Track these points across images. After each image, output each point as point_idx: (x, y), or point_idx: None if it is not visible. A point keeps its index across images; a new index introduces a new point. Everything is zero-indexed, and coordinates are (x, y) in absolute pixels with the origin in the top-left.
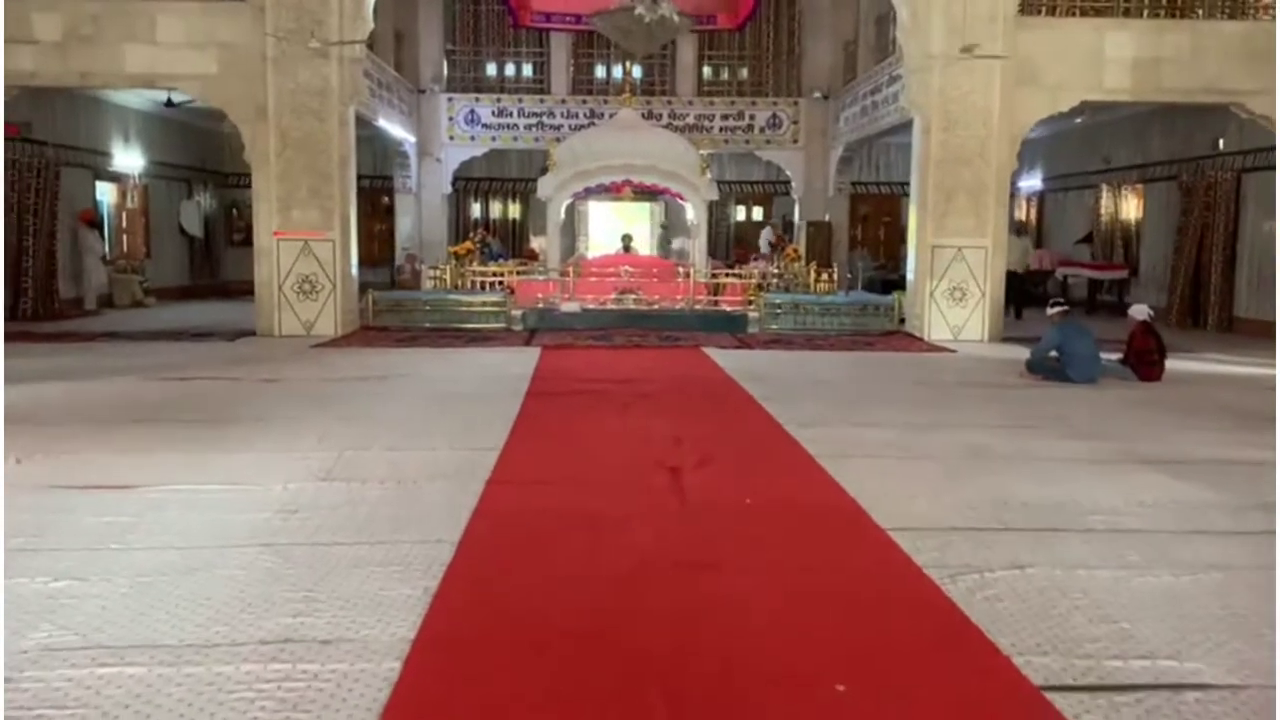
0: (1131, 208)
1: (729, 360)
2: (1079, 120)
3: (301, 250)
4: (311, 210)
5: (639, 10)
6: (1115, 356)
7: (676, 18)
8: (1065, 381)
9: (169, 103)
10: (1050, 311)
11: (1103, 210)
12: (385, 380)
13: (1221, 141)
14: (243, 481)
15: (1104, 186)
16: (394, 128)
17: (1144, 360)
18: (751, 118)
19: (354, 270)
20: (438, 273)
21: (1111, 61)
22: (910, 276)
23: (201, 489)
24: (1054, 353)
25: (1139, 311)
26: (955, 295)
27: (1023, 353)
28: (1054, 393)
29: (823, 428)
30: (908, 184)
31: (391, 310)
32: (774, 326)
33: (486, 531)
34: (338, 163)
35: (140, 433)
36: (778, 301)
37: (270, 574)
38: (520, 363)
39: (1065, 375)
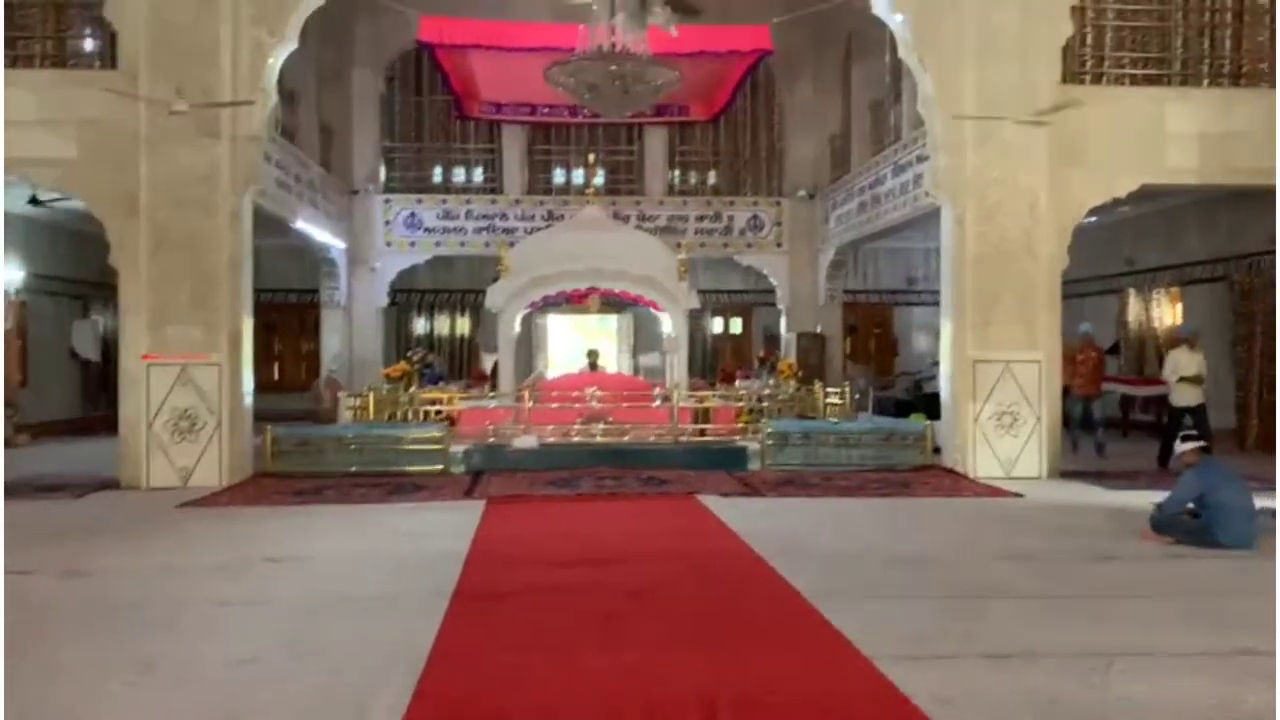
0: (1166, 314)
1: (739, 517)
2: (1093, 219)
3: (178, 377)
4: (193, 326)
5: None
6: (1262, 504)
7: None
8: (1212, 545)
9: (34, 200)
10: (1181, 448)
11: (1130, 317)
12: (245, 573)
13: None
14: None
15: (1130, 291)
16: (319, 231)
17: None
18: (730, 219)
19: (247, 401)
20: (358, 402)
21: (1174, 138)
22: (946, 398)
23: None
24: (1190, 504)
25: None
26: (1004, 422)
27: (1099, 494)
28: (1219, 568)
29: (941, 665)
30: (899, 291)
31: (298, 451)
32: (780, 461)
33: None
34: (227, 265)
35: None
36: (784, 430)
37: None
38: (454, 529)
39: (1209, 535)
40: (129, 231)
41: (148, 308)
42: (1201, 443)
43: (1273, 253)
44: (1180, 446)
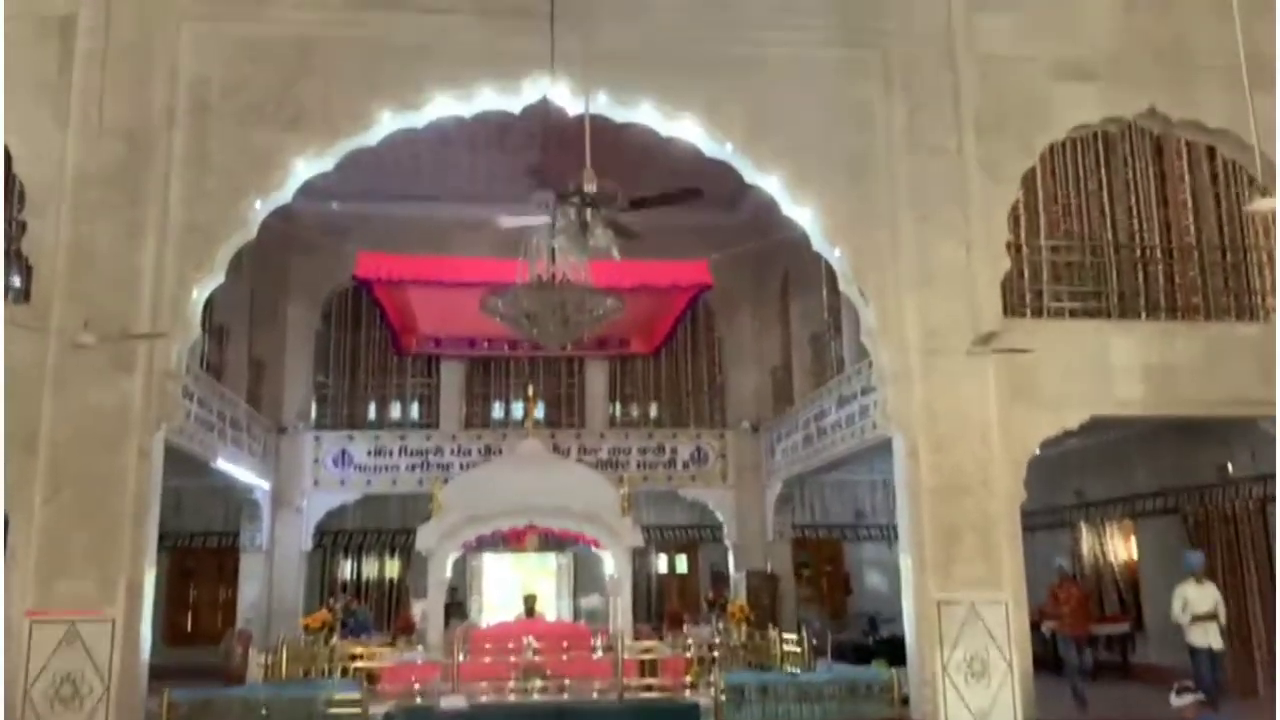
0: (1120, 548)
1: None
2: (1037, 451)
3: (65, 636)
4: (86, 578)
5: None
6: None
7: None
8: None
9: None
10: (1178, 703)
11: (1085, 551)
12: None
13: (1230, 466)
14: None
15: (1082, 524)
16: (241, 471)
17: None
18: (673, 451)
19: (143, 659)
20: (269, 658)
21: (1120, 370)
22: (911, 643)
23: None
24: None
25: None
26: (974, 668)
27: None
28: None
29: None
30: (848, 526)
31: (198, 717)
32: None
33: None
34: (131, 510)
35: None
36: (740, 684)
37: None
38: None
39: None
40: (25, 473)
41: (38, 557)
42: (1201, 696)
43: (1222, 485)
44: (1176, 700)
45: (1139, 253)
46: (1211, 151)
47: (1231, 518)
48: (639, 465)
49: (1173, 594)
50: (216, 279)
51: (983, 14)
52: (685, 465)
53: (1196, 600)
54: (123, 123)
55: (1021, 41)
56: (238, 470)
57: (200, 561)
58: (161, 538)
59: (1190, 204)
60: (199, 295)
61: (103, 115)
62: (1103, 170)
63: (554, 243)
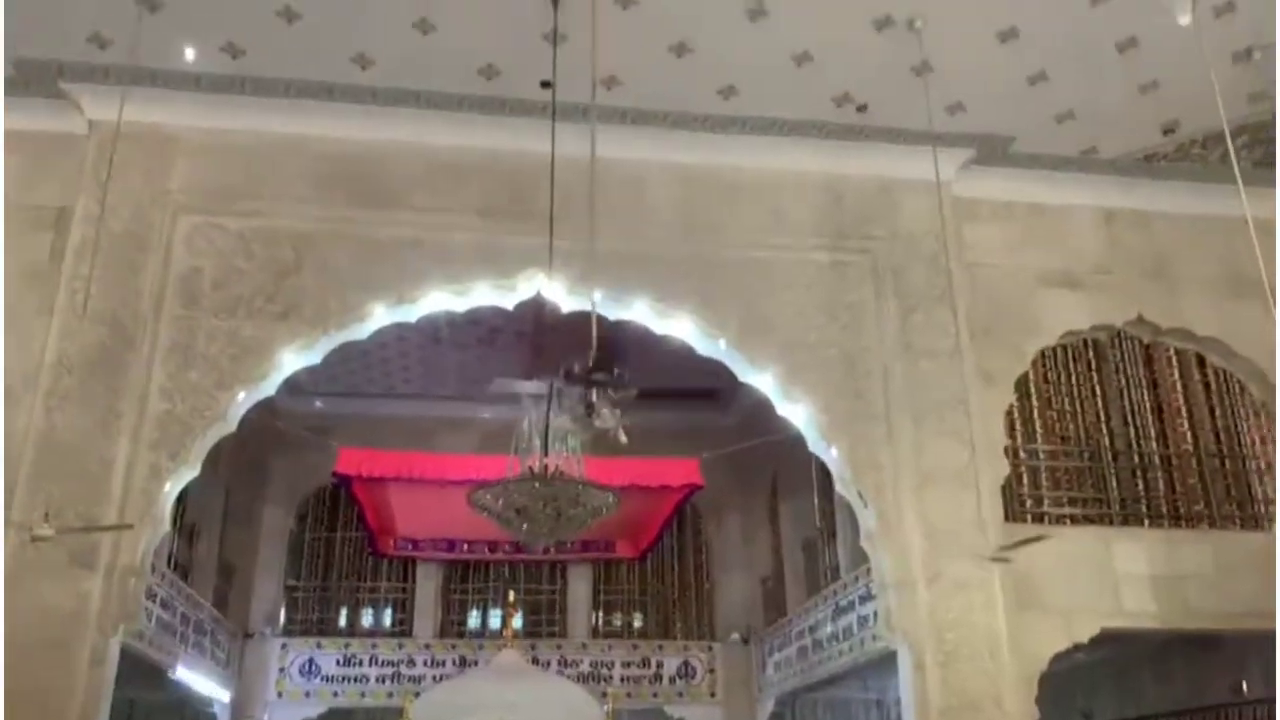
0: None
1: None
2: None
3: None
4: None
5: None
6: None
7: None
8: None
9: None
10: None
11: None
12: None
13: (1245, 685)
14: None
15: None
16: (201, 680)
17: None
18: (659, 665)
19: None
20: None
21: (1127, 579)
22: None
23: None
24: None
25: None
26: None
27: None
28: None
29: None
30: None
31: None
32: None
33: None
34: None
35: None
36: None
37: None
38: None
39: None
40: None
41: None
42: None
43: (1238, 706)
44: None
45: (1137, 459)
46: (1202, 359)
47: None
48: (623, 680)
49: None
50: (192, 471)
51: (971, 224)
52: (672, 680)
53: None
54: (109, 309)
55: (1009, 251)
56: (197, 679)
57: None
58: None
59: (1185, 410)
60: (171, 488)
61: (89, 302)
62: (1095, 376)
63: (554, 421)
